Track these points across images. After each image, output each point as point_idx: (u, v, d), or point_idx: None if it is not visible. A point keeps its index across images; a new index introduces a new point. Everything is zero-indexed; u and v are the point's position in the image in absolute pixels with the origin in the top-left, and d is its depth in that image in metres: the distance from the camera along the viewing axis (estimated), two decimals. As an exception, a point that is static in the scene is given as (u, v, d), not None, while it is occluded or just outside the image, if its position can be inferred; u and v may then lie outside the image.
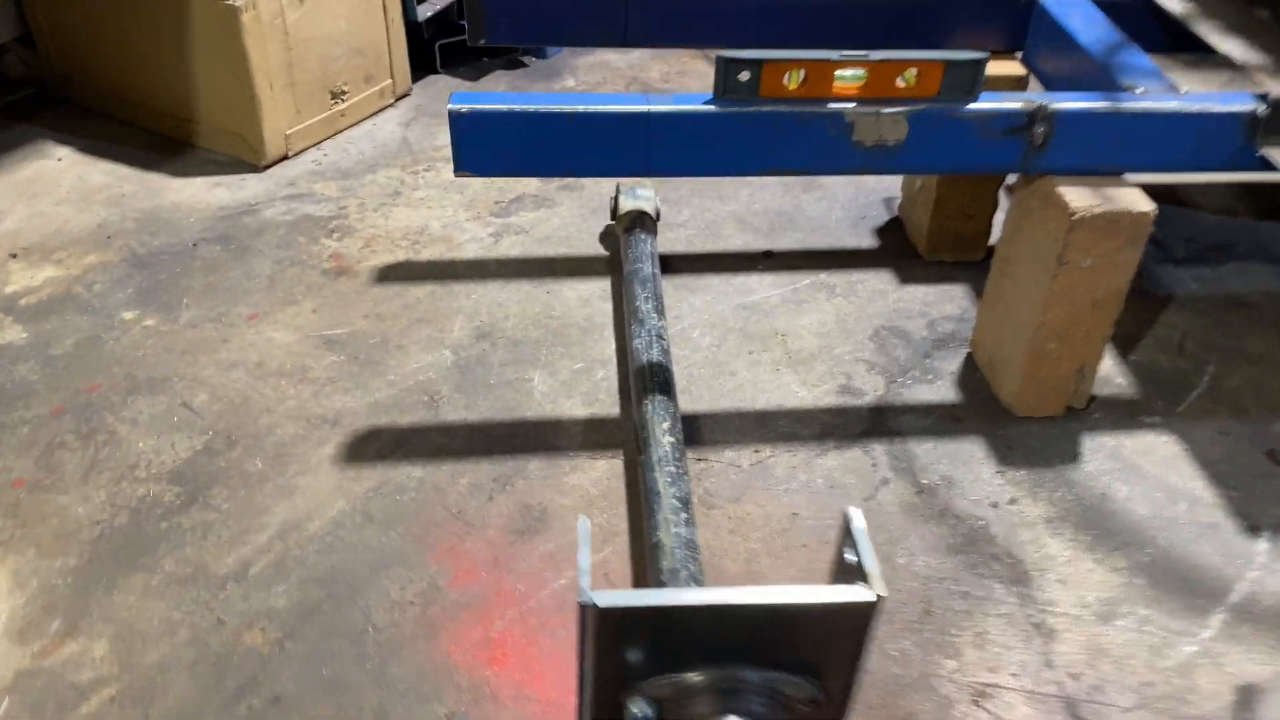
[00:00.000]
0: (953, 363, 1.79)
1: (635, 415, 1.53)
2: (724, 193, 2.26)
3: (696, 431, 1.63)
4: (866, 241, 2.11)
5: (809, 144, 1.46)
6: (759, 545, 1.45)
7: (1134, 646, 1.33)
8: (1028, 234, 1.58)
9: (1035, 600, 1.38)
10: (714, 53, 1.45)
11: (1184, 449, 1.64)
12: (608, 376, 1.74)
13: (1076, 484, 1.56)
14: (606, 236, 2.11)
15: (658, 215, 2.02)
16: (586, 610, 0.90)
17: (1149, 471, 1.59)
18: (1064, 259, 1.49)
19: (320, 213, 2.15)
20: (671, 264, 2.02)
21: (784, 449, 1.60)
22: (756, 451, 1.60)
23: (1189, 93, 1.53)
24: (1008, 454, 1.61)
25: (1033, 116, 1.46)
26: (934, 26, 1.83)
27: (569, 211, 2.18)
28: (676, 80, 2.75)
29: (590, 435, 1.62)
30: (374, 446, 1.59)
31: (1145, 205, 1.47)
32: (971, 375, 1.76)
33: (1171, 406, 1.72)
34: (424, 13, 2.57)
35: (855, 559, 1.01)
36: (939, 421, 1.67)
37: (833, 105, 1.43)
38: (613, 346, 1.81)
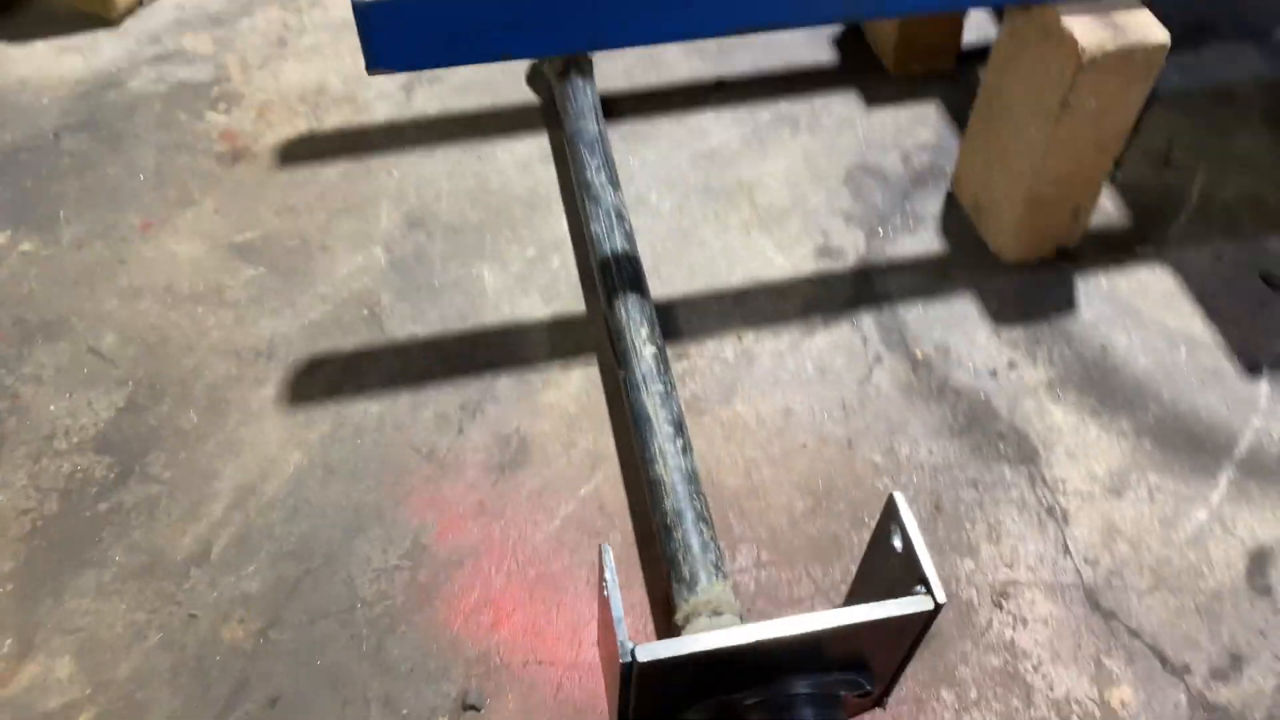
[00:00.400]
0: (934, 203, 1.65)
1: (609, 320, 1.39)
2: (658, 5, 1.99)
3: (672, 321, 1.50)
4: (825, 56, 1.90)
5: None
6: (756, 451, 1.36)
7: (1147, 520, 1.31)
8: (1024, 71, 1.40)
9: (1045, 480, 1.34)
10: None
11: (1179, 282, 1.56)
12: (565, 263, 1.57)
13: (1075, 338, 1.49)
14: (535, 76, 1.85)
15: (591, 49, 1.77)
16: (630, 667, 0.82)
17: (1146, 314, 1.52)
18: (1069, 103, 1.33)
19: (197, 77, 1.84)
20: (614, 106, 1.79)
21: (768, 333, 1.48)
22: (739, 339, 1.47)
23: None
24: (1001, 310, 1.52)
25: (1039, -59, 1.25)
26: None
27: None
28: None
29: (558, 340, 1.47)
30: (319, 381, 1.43)
31: (1159, 35, 1.30)
32: (955, 217, 1.63)
33: (1162, 231, 1.63)
34: None
35: (900, 544, 0.94)
36: (927, 278, 1.56)
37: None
38: (564, 224, 1.62)
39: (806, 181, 1.68)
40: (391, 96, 1.82)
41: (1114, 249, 1.60)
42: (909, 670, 1.13)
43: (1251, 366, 1.46)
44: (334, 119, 1.78)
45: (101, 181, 1.68)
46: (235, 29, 1.94)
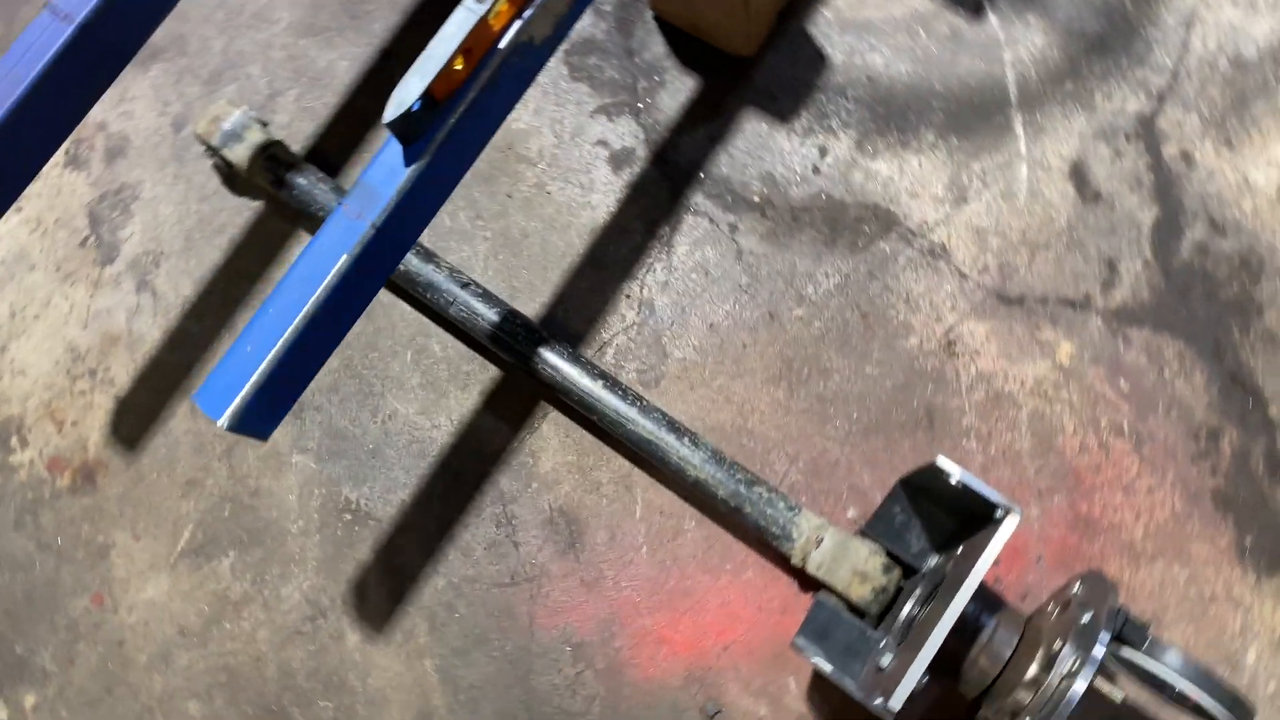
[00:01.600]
0: (655, 43, 1.68)
1: (543, 379, 1.50)
2: (251, 11, 1.77)
3: (565, 324, 1.60)
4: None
5: (505, 93, 1.22)
6: (719, 379, 1.56)
7: (994, 205, 1.58)
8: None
9: (912, 231, 1.58)
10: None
11: (876, -35, 1.68)
12: (444, 343, 1.61)
13: (844, 86, 1.64)
14: (239, 184, 1.71)
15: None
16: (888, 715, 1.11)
17: (875, 20, 1.66)
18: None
19: (-46, 433, 1.67)
20: (329, 158, 1.70)
21: (640, 273, 1.60)
22: (627, 297, 1.60)
23: None
24: (778, 105, 1.64)
25: None
26: None
27: (161, 185, 1.72)
28: None
29: (505, 412, 1.58)
30: (378, 597, 1.55)
31: None
32: (681, 42, 1.68)
33: (834, -77, 1.70)
34: None
35: (960, 482, 1.20)
36: (707, 125, 1.65)
37: (504, 41, 1.16)
38: (406, 309, 1.63)
39: (540, 99, 1.68)
40: (141, 308, 1.68)
41: (812, -28, 1.69)
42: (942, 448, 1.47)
43: (974, 7, 1.65)
44: (120, 371, 1.66)
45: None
46: (-77, 357, 1.71)
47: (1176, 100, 1.59)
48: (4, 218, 1.71)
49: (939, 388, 1.52)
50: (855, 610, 1.38)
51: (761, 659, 1.47)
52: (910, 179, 1.60)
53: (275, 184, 1.60)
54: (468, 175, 1.63)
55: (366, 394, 1.61)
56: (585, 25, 1.71)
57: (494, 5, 1.12)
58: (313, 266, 1.12)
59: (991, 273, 1.56)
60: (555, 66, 1.70)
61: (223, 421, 1.10)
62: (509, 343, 1.51)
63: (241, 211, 1.70)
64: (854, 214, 1.60)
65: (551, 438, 1.57)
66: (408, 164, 1.14)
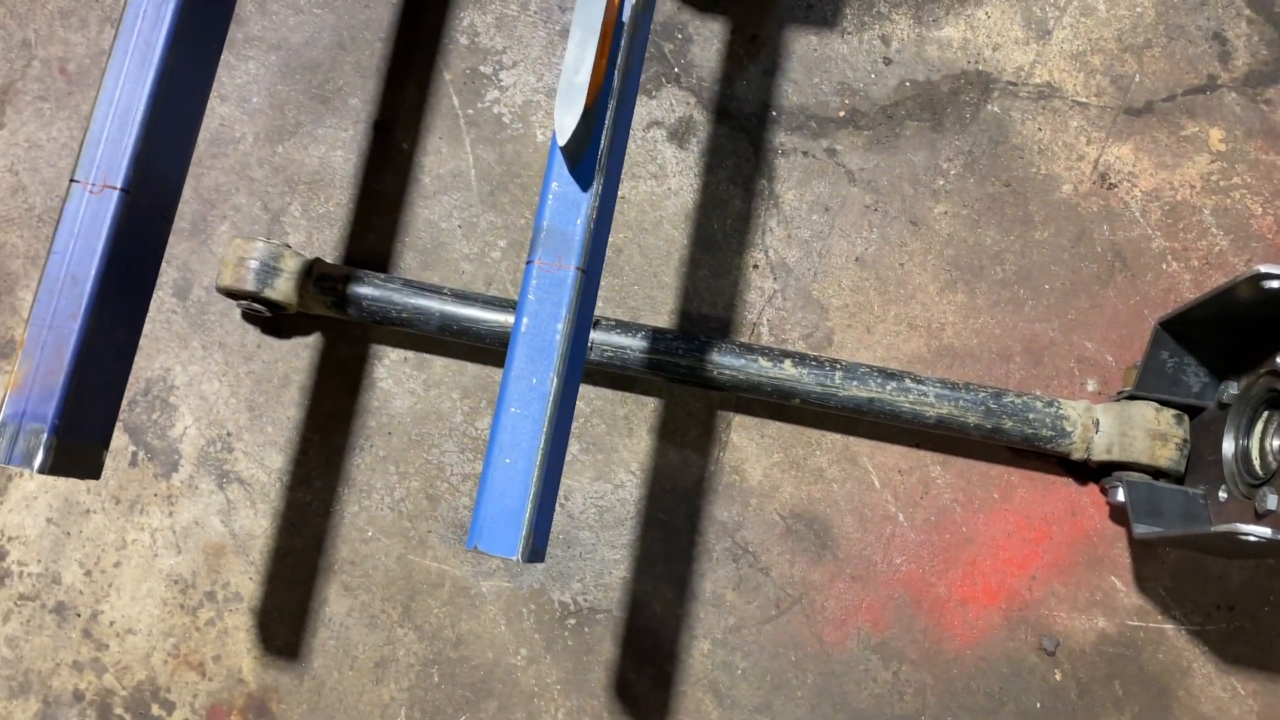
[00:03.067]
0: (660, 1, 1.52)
1: (717, 379, 1.32)
2: (221, 90, 1.53)
3: (704, 329, 1.42)
4: None
5: (635, 74, 1.03)
6: (894, 308, 1.41)
7: (1079, 26, 1.47)
8: None
9: (1011, 81, 1.46)
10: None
11: None
12: (589, 397, 1.42)
13: (875, -32, 1.51)
14: (273, 325, 1.47)
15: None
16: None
17: (875, -110, 1.53)
18: None
19: (80, 731, 1.39)
20: (372, 256, 1.48)
21: (756, 245, 1.44)
22: (756, 270, 1.43)
23: None
24: (820, 13, 1.50)
25: None
26: None
27: (200, 366, 1.47)
28: None
29: (683, 437, 1.39)
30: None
31: None
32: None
33: None
34: None
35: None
36: (754, 62, 1.49)
37: (626, 12, 0.98)
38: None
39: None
40: (235, 504, 1.43)
41: None
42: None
43: None
44: (241, 581, 1.40)
45: None
46: None
47: None
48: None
49: (1114, 224, 1.41)
50: (1161, 475, 1.26)
51: (1074, 572, 1.33)
52: (985, 33, 1.48)
53: (337, 305, 1.38)
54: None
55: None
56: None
57: (609, -26, 0.94)
58: (539, 340, 0.92)
59: (1109, 91, 1.45)
60: (566, 66, 1.51)
61: (518, 554, 0.90)
62: (670, 363, 1.33)
63: (299, 353, 1.46)
64: (947, 89, 1.47)
65: (747, 445, 1.39)
66: (585, 188, 0.95)
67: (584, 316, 0.97)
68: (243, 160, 1.52)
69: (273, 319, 1.46)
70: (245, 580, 1.41)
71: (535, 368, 0.92)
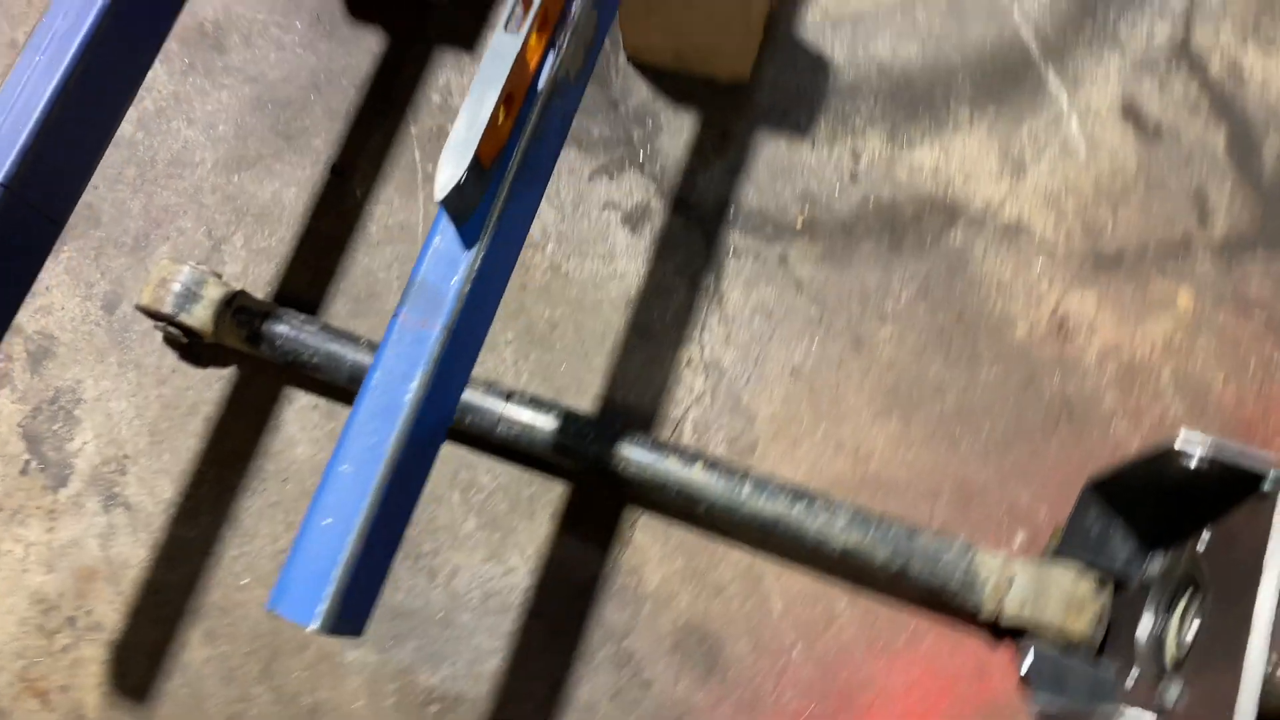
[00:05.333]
0: (636, 86, 1.50)
1: (622, 473, 1.26)
2: (163, 161, 1.52)
3: (625, 419, 1.37)
4: (366, 38, 1.55)
5: (550, 144, 1.00)
6: (824, 425, 1.34)
7: (1056, 167, 1.43)
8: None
9: (978, 213, 1.41)
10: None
11: (846, -47, 1.55)
12: (494, 472, 1.36)
13: (856, 86, 1.48)
14: (202, 350, 1.43)
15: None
16: None
17: (863, 10, 1.52)
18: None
19: (-92, 744, 1.31)
20: (301, 297, 1.45)
21: (693, 340, 1.39)
22: (689, 366, 1.38)
23: None
24: (791, 121, 1.47)
25: None
26: None
27: (104, 378, 1.43)
28: None
29: (584, 528, 1.32)
30: None
31: None
32: (666, 83, 1.50)
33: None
34: None
35: (1211, 458, 0.99)
36: (720, 159, 1.46)
37: (544, 80, 0.96)
38: (451, 453, 1.37)
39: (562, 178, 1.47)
40: (115, 528, 1.37)
41: (782, -24, 1.54)
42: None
43: (962, -28, 1.53)
44: (105, 610, 1.34)
45: None
46: None
47: (1203, 15, 1.48)
48: (-81, 464, 1.41)
49: (1066, 374, 1.34)
50: (1072, 647, 1.16)
51: None
52: (958, 161, 1.44)
53: (251, 340, 1.34)
54: (476, 273, 1.41)
55: (417, 556, 1.34)
56: (554, 86, 1.52)
57: (527, 36, 0.91)
58: (386, 398, 0.87)
59: (1078, 236, 1.40)
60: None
61: (316, 624, 0.83)
62: (576, 448, 1.27)
63: (211, 384, 1.42)
64: (910, 212, 1.42)
65: (650, 547, 1.32)
66: (467, 246, 0.91)
67: (446, 381, 0.91)
68: (197, 185, 1.51)
69: (191, 346, 1.42)
70: (110, 610, 1.34)
71: (376, 427, 0.86)
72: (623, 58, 1.52)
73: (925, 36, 1.50)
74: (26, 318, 1.47)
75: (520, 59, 0.91)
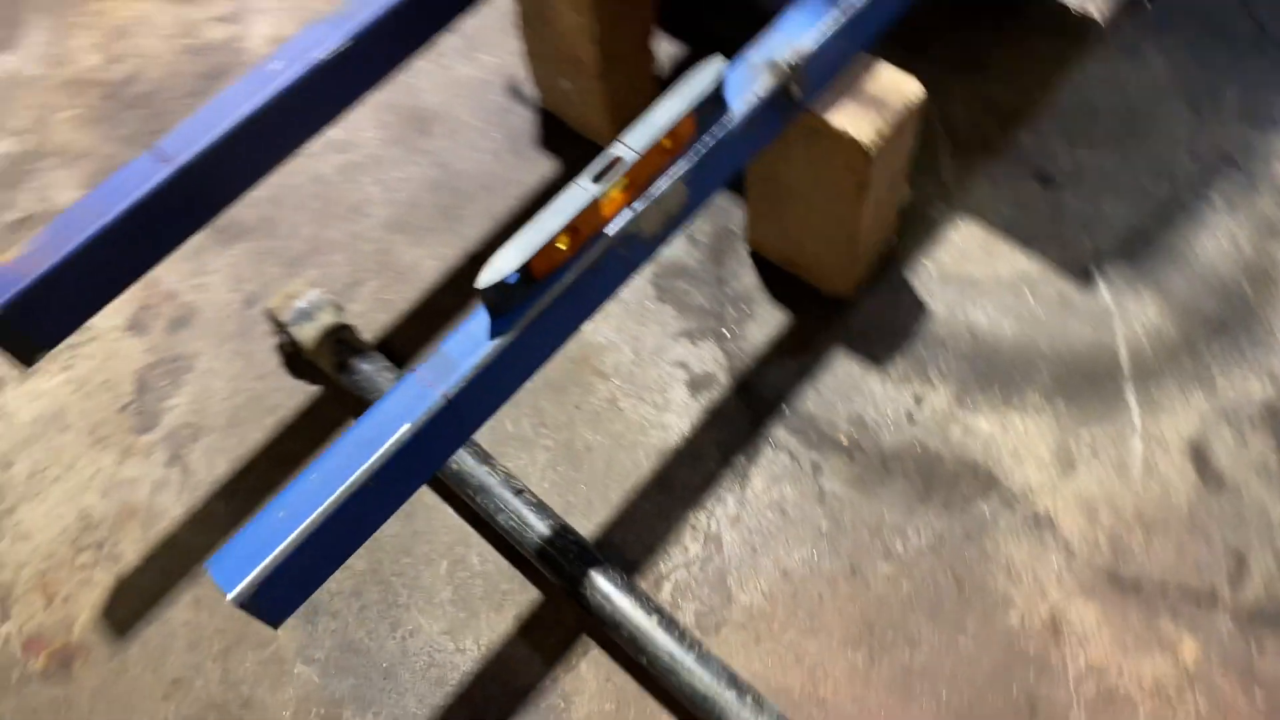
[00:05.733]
0: (747, 274, 1.64)
1: (592, 612, 1.32)
2: (347, 203, 1.77)
3: (622, 550, 1.44)
4: (543, 164, 1.77)
5: (602, 282, 1.15)
6: (792, 633, 1.37)
7: (1105, 478, 1.44)
8: (802, 164, 1.38)
9: (1015, 495, 1.44)
10: None
11: (980, 225, 1.65)
12: (484, 555, 1.46)
13: (944, 339, 1.56)
14: (300, 365, 1.63)
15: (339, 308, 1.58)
16: None
17: (980, 277, 1.61)
18: (865, 183, 1.33)
19: (-66, 593, 1.51)
20: (399, 347, 1.63)
21: (710, 504, 1.46)
22: (693, 528, 1.45)
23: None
24: (872, 348, 1.56)
25: (790, 76, 1.20)
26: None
27: (217, 359, 1.65)
28: None
29: (540, 644, 1.39)
30: None
31: (913, 88, 1.31)
32: (775, 277, 1.63)
33: (935, 177, 1.70)
34: None
35: None
36: (796, 360, 1.56)
37: (613, 230, 1.10)
38: (449, 511, 1.49)
39: (623, 317, 1.62)
40: (168, 481, 1.56)
41: (916, 221, 1.66)
42: None
43: (1083, 274, 1.60)
44: (130, 551, 1.51)
45: (-60, 793, 1.38)
46: (-74, 507, 1.58)
47: (1304, 388, 1.48)
48: (50, 375, 1.65)
49: (1042, 675, 1.32)
50: None
51: None
52: (1014, 439, 1.47)
53: (339, 368, 1.52)
54: (537, 381, 1.55)
55: (390, 604, 1.44)
56: (678, 250, 1.67)
57: (608, 189, 1.06)
58: (371, 431, 1.00)
59: (1103, 551, 1.39)
60: (642, 286, 1.64)
61: (234, 595, 0.94)
62: (557, 560, 1.35)
63: (295, 394, 1.61)
64: (950, 469, 1.46)
65: (590, 679, 1.37)
66: (493, 336, 1.05)
67: (429, 440, 1.04)
68: (360, 233, 1.74)
69: (294, 357, 1.62)
70: (132, 549, 1.51)
71: (352, 453, 0.99)
72: (745, 247, 1.66)
73: (1024, 318, 1.56)
74: (186, 287, 1.72)
75: (594, 206, 1.06)
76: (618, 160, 1.06)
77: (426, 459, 1.06)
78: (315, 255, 1.73)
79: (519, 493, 1.40)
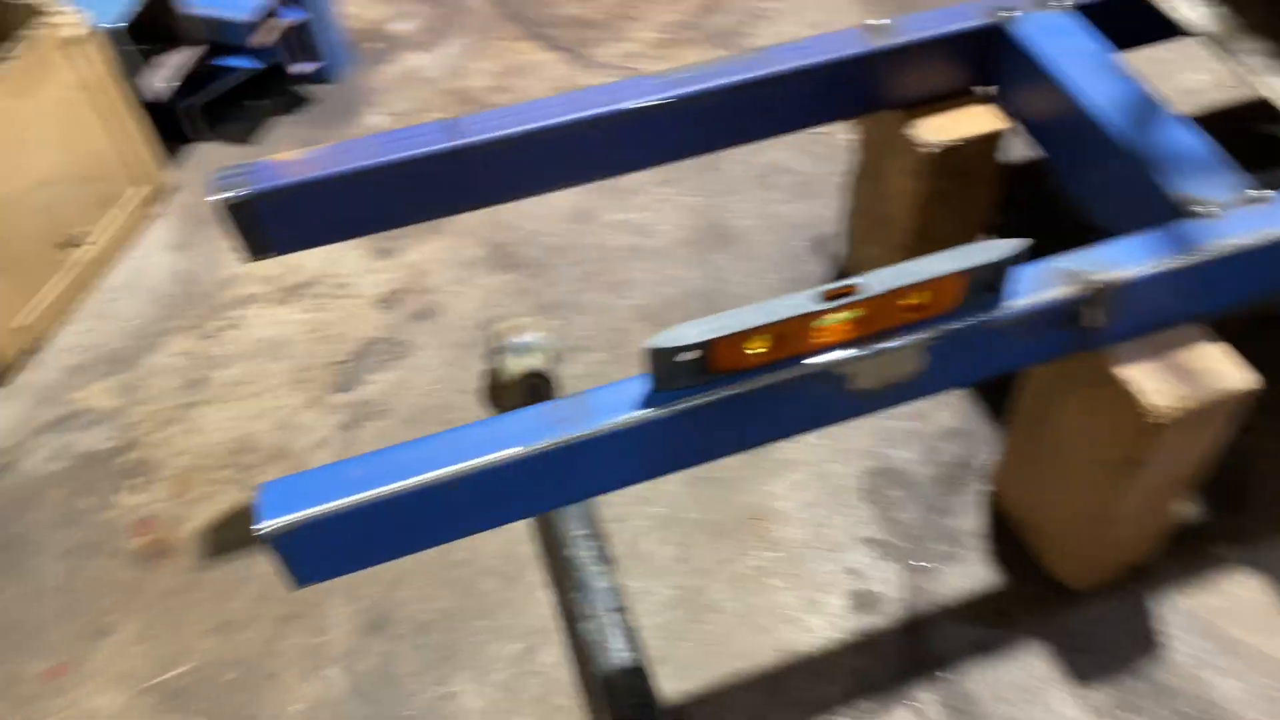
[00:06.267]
0: (972, 515, 1.43)
1: (613, 698, 1.14)
2: (616, 278, 1.77)
3: (672, 715, 1.25)
4: (815, 325, 1.68)
5: (787, 411, 1.02)
6: None
7: None
8: (1074, 410, 1.18)
9: None
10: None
11: (1271, 591, 1.34)
12: (555, 659, 1.32)
13: (1174, 693, 1.26)
14: (494, 392, 1.62)
15: (559, 357, 1.55)
16: None
17: (1246, 644, 1.29)
18: (1140, 460, 1.11)
19: (102, 443, 1.59)
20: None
21: (810, 734, 1.24)
22: (781, 751, 1.23)
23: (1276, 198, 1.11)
24: (1078, 661, 1.28)
25: (1090, 299, 1.03)
26: (870, 83, 1.34)
27: (434, 358, 1.67)
28: (516, 83, 2.15)
29: (564, 782, 1.22)
30: None
31: (1239, 378, 1.08)
32: (1001, 532, 1.41)
33: (1238, 522, 1.41)
34: (159, 82, 1.90)
35: None
36: (983, 625, 1.32)
37: (818, 360, 0.98)
38: (545, 602, 1.37)
39: (822, 499, 1.45)
40: (331, 442, 1.57)
41: (1189, 551, 1.37)
42: None
43: (1384, 702, 1.24)
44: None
45: (-2, 614, 1.42)
46: (140, 370, 1.69)
47: None
48: (292, 308, 1.74)
49: None
50: None
51: None
52: None
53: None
54: (695, 513, 1.42)
55: (447, 656, 1.33)
56: (907, 455, 1.49)
57: (830, 310, 0.94)
58: (483, 436, 0.92)
59: None
60: (852, 471, 1.47)
61: (264, 528, 0.88)
62: (618, 699, 1.18)
63: (473, 407, 1.58)
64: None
65: None
66: (644, 406, 0.94)
67: (530, 480, 0.94)
68: (612, 307, 1.71)
69: (496, 386, 1.60)
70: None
71: (453, 450, 0.91)
72: (982, 486, 1.45)
73: (1284, 717, 1.23)
74: (445, 288, 1.76)
75: (806, 322, 0.94)
76: (855, 288, 0.94)
77: (521, 494, 0.96)
78: (564, 309, 1.72)
79: (618, 610, 1.26)
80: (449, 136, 1.20)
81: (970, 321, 0.99)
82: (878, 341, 0.98)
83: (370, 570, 1.06)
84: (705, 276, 1.76)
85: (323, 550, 0.93)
